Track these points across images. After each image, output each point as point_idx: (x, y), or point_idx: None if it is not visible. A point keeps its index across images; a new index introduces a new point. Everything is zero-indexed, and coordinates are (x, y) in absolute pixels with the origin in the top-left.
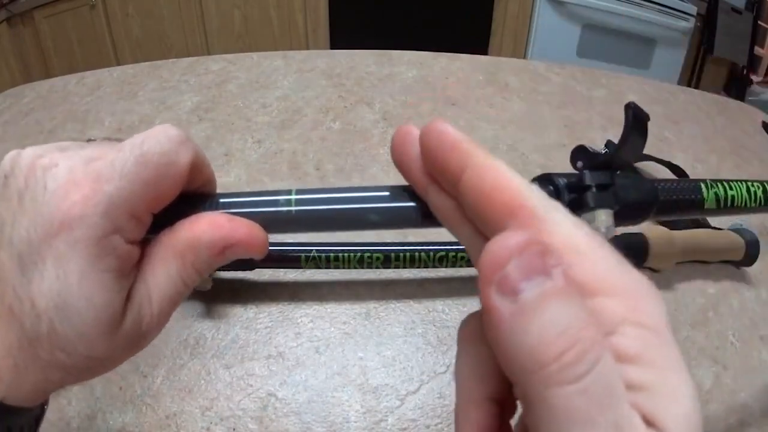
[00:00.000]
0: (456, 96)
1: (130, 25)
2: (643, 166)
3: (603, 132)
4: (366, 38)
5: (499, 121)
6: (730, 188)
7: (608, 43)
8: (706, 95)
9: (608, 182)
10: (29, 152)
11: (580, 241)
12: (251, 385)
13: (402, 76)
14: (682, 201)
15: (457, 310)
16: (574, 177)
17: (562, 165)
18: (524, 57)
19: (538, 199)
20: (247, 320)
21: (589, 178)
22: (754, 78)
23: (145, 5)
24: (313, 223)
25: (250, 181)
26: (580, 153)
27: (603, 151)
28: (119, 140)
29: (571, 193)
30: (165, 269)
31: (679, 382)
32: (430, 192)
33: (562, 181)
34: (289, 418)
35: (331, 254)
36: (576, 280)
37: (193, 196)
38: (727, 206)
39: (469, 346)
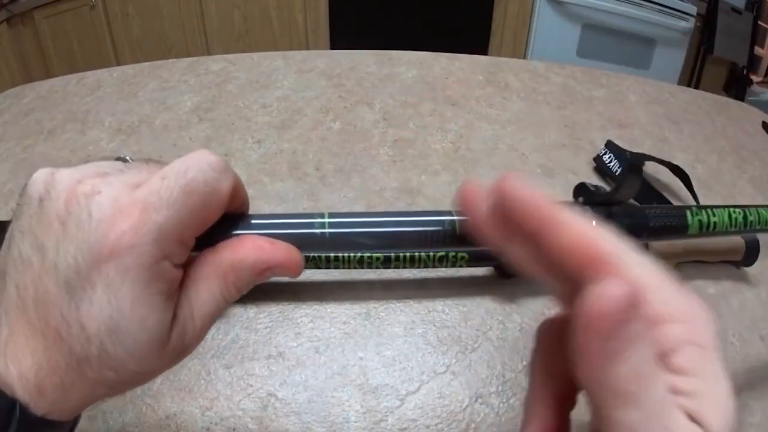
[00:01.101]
0: (456, 96)
1: (130, 25)
2: (643, 166)
3: (603, 132)
4: (366, 38)
5: (499, 121)
6: (713, 215)
7: (608, 43)
8: (706, 95)
9: (607, 216)
10: (66, 176)
11: (650, 279)
12: (251, 385)
13: (402, 76)
14: (669, 227)
15: (457, 310)
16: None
17: (562, 165)
18: (524, 57)
19: (614, 246)
20: (247, 320)
21: (589, 213)
22: (754, 78)
23: (145, 5)
24: (344, 245)
25: (250, 182)
26: (581, 190)
27: (602, 189)
28: (153, 161)
29: None
30: (208, 288)
31: (721, 390)
32: (503, 243)
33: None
34: (289, 418)
35: (331, 254)
36: (650, 314)
37: (230, 216)
38: (709, 231)
39: (546, 349)
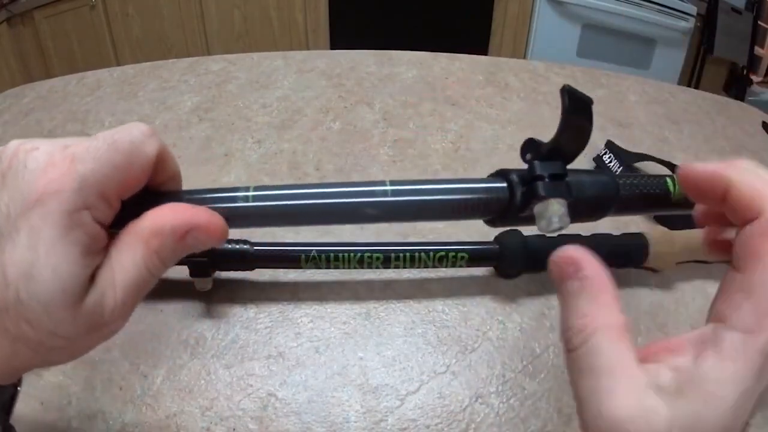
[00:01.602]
0: (456, 96)
1: (130, 25)
2: (643, 166)
3: (603, 132)
4: (366, 38)
5: (499, 121)
6: None
7: (608, 43)
8: (706, 95)
9: (560, 172)
10: (15, 141)
11: None
12: (251, 385)
13: (402, 76)
14: (647, 196)
15: (457, 310)
16: (526, 171)
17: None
18: (524, 57)
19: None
20: (247, 320)
21: (539, 168)
22: (754, 78)
23: (145, 5)
24: (269, 218)
25: (250, 182)
26: (528, 146)
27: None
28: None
29: (524, 186)
30: (131, 255)
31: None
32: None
33: (515, 177)
34: (289, 418)
35: (331, 254)
36: None
37: (160, 192)
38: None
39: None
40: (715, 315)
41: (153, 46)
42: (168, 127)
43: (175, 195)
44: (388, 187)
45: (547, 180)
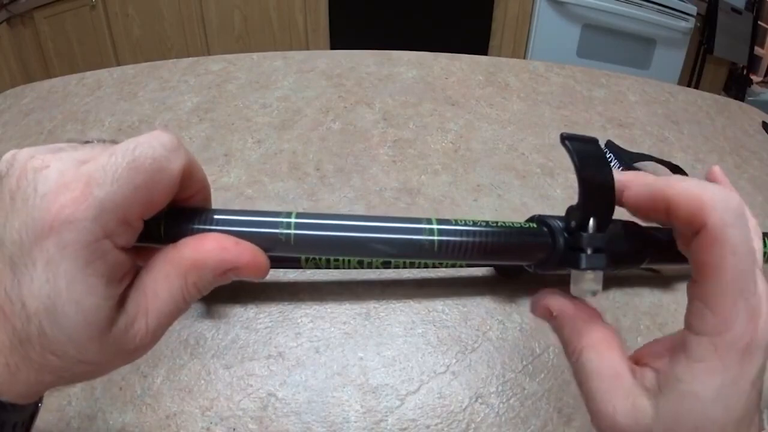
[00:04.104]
0: (456, 96)
1: (130, 25)
2: (643, 166)
3: (603, 132)
4: (366, 38)
5: (499, 121)
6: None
7: (608, 43)
8: (706, 95)
9: (600, 246)
10: (24, 153)
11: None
12: (251, 385)
13: (402, 76)
14: (677, 252)
15: (457, 310)
16: (564, 221)
17: (562, 165)
18: (524, 57)
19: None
20: (247, 320)
21: (585, 240)
22: (754, 78)
23: (145, 5)
24: (312, 248)
25: (250, 182)
26: (570, 213)
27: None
28: (114, 143)
29: (566, 247)
30: (167, 285)
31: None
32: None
33: (560, 238)
34: (289, 418)
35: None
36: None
37: (192, 209)
38: None
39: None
40: (685, 321)
41: (153, 46)
42: (168, 127)
43: (209, 214)
44: (435, 226)
45: (589, 253)
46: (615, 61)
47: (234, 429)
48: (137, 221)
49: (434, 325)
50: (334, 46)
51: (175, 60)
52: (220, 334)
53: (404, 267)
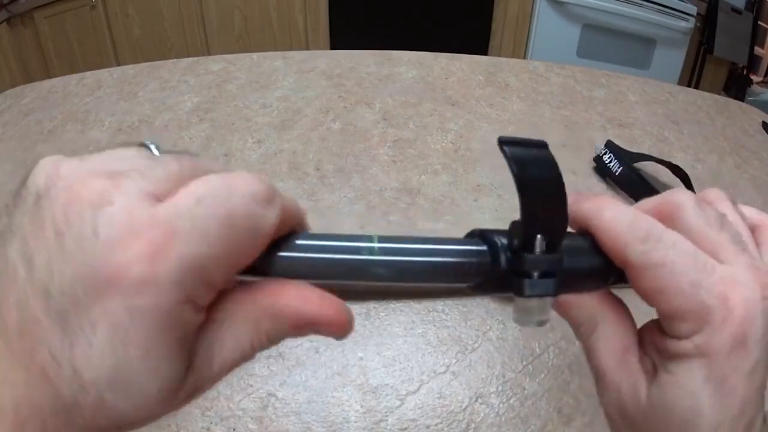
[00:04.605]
0: (456, 96)
1: (130, 25)
2: (643, 166)
3: (603, 132)
4: (366, 38)
5: (499, 121)
6: None
7: (608, 43)
8: (706, 95)
9: (550, 270)
10: (72, 171)
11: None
12: (251, 385)
13: (402, 76)
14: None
15: (457, 310)
16: (508, 237)
17: (562, 165)
18: (524, 57)
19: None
20: None
21: (529, 263)
22: (754, 78)
23: (145, 5)
24: (398, 275)
25: None
26: (514, 228)
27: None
28: (186, 155)
29: (510, 269)
30: (235, 334)
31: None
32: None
33: (500, 241)
34: (289, 418)
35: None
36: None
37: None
38: None
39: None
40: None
41: (153, 46)
42: (168, 127)
43: (287, 240)
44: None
45: (535, 277)
46: (615, 61)
47: (234, 429)
48: (223, 283)
49: (434, 325)
50: (334, 46)
51: (175, 60)
52: None
53: None
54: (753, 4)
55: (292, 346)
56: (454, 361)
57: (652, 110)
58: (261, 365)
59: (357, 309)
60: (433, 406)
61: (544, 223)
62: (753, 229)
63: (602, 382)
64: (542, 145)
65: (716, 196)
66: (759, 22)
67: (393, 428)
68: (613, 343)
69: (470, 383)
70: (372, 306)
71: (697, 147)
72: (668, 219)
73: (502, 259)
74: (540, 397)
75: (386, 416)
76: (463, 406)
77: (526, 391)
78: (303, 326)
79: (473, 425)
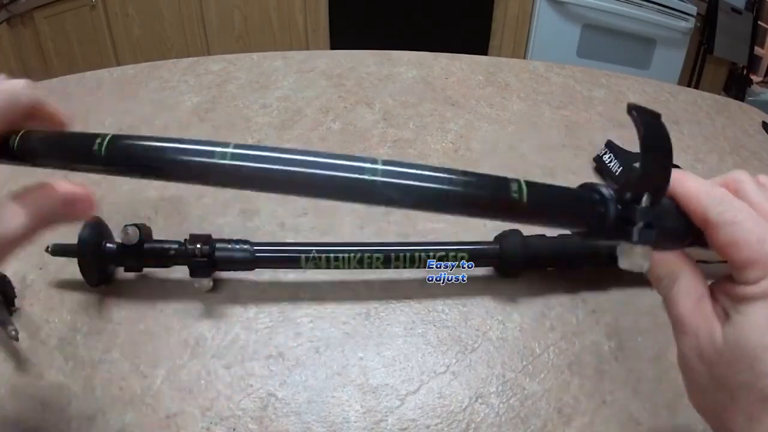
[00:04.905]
0: (456, 96)
1: (130, 25)
2: None
3: (603, 132)
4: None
5: (499, 121)
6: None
7: (608, 43)
8: (706, 95)
9: (651, 220)
10: None
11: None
12: (251, 385)
13: (402, 76)
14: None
15: (457, 310)
16: (616, 192)
17: (562, 165)
18: (524, 57)
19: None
20: (247, 320)
21: (639, 213)
22: (754, 78)
23: (145, 5)
24: (246, 180)
25: None
26: (625, 177)
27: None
28: None
29: (620, 209)
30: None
31: None
32: None
33: (608, 192)
34: (289, 418)
35: (331, 254)
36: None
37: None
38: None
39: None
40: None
41: (153, 46)
42: (168, 127)
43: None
44: (379, 166)
45: (641, 225)
46: (615, 61)
47: (234, 429)
48: None
49: (434, 325)
50: (334, 46)
51: (175, 60)
52: (220, 334)
53: (404, 267)
54: (753, 4)
55: (292, 346)
56: (454, 361)
57: None
58: (261, 365)
59: (357, 309)
60: (433, 406)
61: (654, 181)
62: None
63: (681, 329)
64: (658, 117)
65: (766, 179)
66: (759, 22)
67: (393, 428)
68: (690, 293)
69: (470, 383)
70: (372, 306)
71: (697, 147)
72: (733, 192)
73: (611, 209)
74: (540, 397)
75: (386, 416)
76: (463, 406)
77: (526, 391)
78: (68, 202)
79: (473, 425)
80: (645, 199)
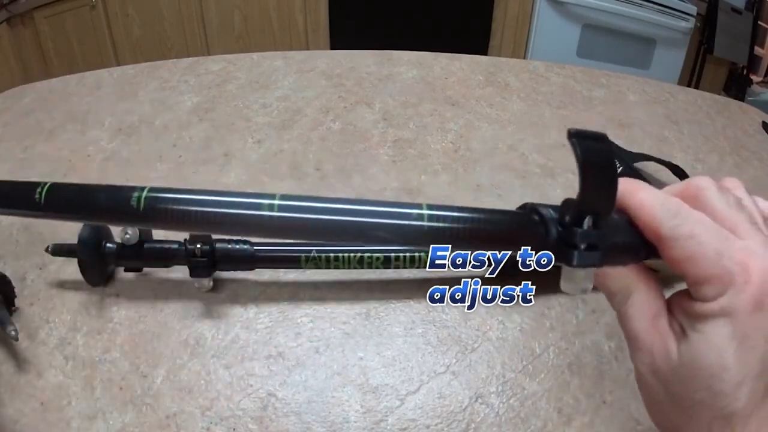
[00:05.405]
0: (456, 96)
1: (130, 25)
2: (643, 166)
3: (603, 132)
4: (366, 38)
5: (499, 121)
6: None
7: (608, 43)
8: (706, 95)
9: (595, 242)
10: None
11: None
12: (251, 385)
13: (402, 76)
14: None
15: (457, 310)
16: (558, 212)
17: (562, 165)
18: (524, 57)
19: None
20: (247, 320)
21: (579, 236)
22: (754, 78)
23: (145, 5)
24: (297, 232)
25: (250, 182)
26: (565, 207)
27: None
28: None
29: (560, 241)
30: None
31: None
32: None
33: (551, 215)
34: (289, 418)
35: (331, 254)
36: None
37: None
38: None
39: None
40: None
41: (153, 46)
42: (168, 127)
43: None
44: (425, 212)
45: (582, 250)
46: (615, 61)
47: (234, 429)
48: None
49: (434, 325)
50: (334, 46)
51: (175, 60)
52: (220, 334)
53: (404, 267)
54: (753, 4)
55: (292, 346)
56: (454, 361)
57: (652, 110)
58: (261, 365)
59: (357, 309)
60: (433, 406)
61: (596, 203)
62: (764, 218)
63: (636, 345)
64: (603, 138)
65: (733, 184)
66: (759, 22)
67: (393, 428)
68: (645, 309)
69: (470, 383)
70: (372, 306)
71: (697, 147)
72: (693, 200)
73: (553, 231)
74: (540, 397)
75: (386, 416)
76: (463, 406)
77: (526, 391)
78: None
79: (473, 425)
80: (586, 221)
